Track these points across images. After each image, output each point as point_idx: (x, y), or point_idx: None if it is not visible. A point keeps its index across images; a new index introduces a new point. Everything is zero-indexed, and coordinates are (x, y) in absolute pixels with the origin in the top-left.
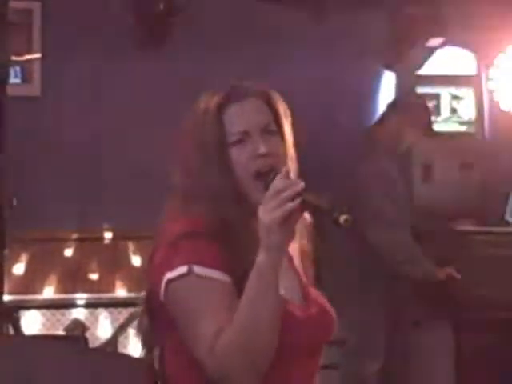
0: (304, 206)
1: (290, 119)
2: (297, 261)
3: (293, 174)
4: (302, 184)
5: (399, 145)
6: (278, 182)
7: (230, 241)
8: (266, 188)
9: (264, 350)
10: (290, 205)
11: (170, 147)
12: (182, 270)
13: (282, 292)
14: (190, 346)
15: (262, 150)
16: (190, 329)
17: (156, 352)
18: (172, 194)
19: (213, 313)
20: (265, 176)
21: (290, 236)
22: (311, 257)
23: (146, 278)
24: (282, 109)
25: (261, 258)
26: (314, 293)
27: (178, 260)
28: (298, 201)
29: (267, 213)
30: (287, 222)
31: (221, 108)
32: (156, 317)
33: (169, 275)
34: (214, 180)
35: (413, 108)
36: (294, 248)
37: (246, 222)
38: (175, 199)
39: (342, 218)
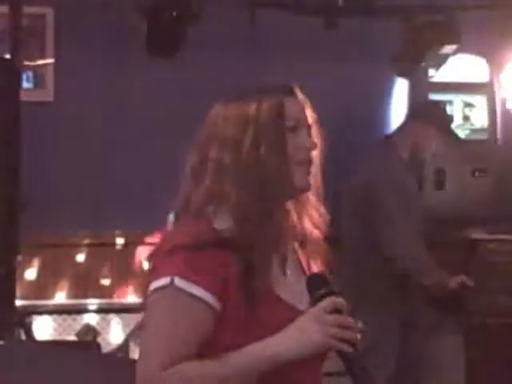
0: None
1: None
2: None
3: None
4: (357, 336)
5: (424, 151)
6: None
7: (247, 247)
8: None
9: None
10: (334, 343)
11: (182, 153)
12: (165, 281)
13: (282, 295)
14: (138, 357)
15: (307, 143)
16: (147, 341)
17: None
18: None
19: (176, 338)
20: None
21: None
22: (327, 262)
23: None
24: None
25: (274, 349)
26: None
27: (165, 270)
28: (342, 346)
29: (313, 332)
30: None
31: (281, 97)
32: None
33: (154, 285)
34: (270, 160)
35: (434, 113)
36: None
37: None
38: (197, 197)
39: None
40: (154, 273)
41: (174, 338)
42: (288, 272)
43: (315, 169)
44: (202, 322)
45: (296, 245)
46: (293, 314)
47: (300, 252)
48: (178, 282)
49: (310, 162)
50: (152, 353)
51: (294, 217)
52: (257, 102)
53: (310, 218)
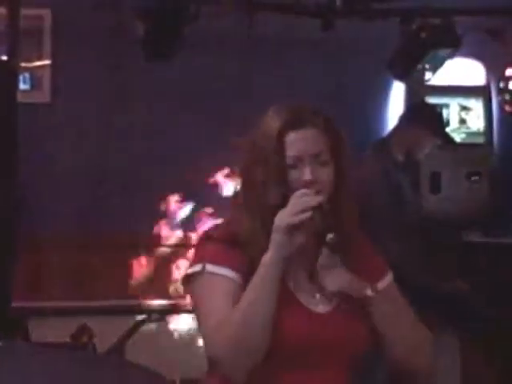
0: (312, 222)
1: (346, 147)
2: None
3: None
4: (318, 199)
5: (418, 153)
6: (299, 192)
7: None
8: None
9: (254, 339)
10: (300, 216)
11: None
12: (198, 267)
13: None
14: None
15: (307, 176)
16: (198, 318)
17: None
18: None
19: (216, 307)
20: None
21: (295, 243)
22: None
23: None
24: (339, 138)
25: (266, 257)
26: (353, 307)
27: (195, 258)
28: (307, 214)
29: (280, 215)
30: (295, 230)
31: (282, 133)
32: None
33: (188, 271)
34: (272, 192)
35: (428, 115)
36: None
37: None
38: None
39: (329, 237)
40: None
41: (217, 308)
42: (316, 277)
43: (327, 194)
44: (234, 291)
45: (326, 251)
46: (311, 317)
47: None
48: (209, 267)
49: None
50: (202, 323)
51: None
52: (261, 136)
53: (344, 223)
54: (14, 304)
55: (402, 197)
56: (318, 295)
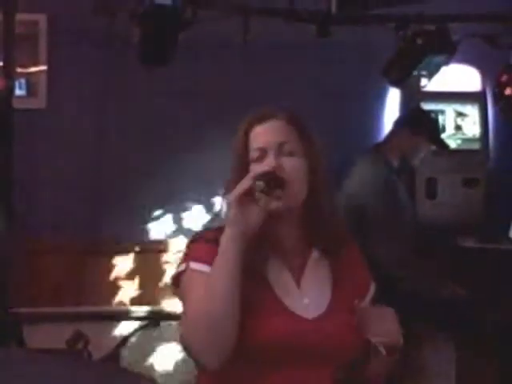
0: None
1: (315, 141)
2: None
3: (297, 188)
4: (263, 168)
5: (412, 159)
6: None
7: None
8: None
9: (216, 313)
10: (241, 185)
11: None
12: (182, 267)
13: (289, 304)
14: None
15: (272, 163)
16: (182, 314)
17: None
18: None
19: (194, 299)
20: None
21: (252, 217)
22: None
23: None
24: (305, 131)
25: (223, 235)
26: (342, 311)
27: (182, 260)
28: (248, 181)
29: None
30: (243, 201)
31: (248, 129)
32: None
33: (174, 272)
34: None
35: (423, 121)
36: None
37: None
38: None
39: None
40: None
41: (196, 299)
42: (304, 282)
43: (297, 185)
44: None
45: (316, 254)
46: (298, 322)
47: (328, 262)
48: (192, 264)
49: (282, 182)
50: (183, 323)
51: (305, 226)
52: (234, 139)
53: (327, 222)
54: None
55: (398, 201)
56: (306, 300)
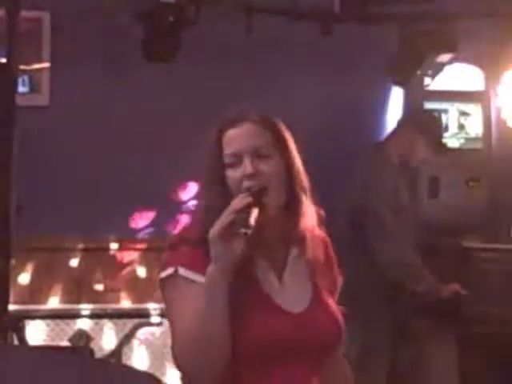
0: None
1: (290, 141)
2: (317, 268)
3: (276, 192)
4: (243, 201)
5: (412, 159)
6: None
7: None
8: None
9: (213, 352)
10: (222, 220)
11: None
12: (170, 270)
13: (278, 300)
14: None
15: (249, 170)
16: (170, 320)
17: None
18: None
19: (187, 313)
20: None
21: (236, 250)
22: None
23: None
24: (279, 132)
25: (209, 269)
26: (326, 301)
27: (169, 262)
28: (230, 217)
29: (214, 226)
30: (225, 236)
31: (220, 133)
32: None
33: (161, 275)
34: (212, 197)
35: (425, 123)
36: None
37: None
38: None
39: (243, 230)
40: (160, 265)
41: (186, 314)
42: (286, 279)
43: (277, 188)
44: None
45: (295, 251)
46: (287, 317)
47: (306, 258)
48: (182, 271)
49: (260, 188)
50: (172, 325)
51: (286, 224)
52: (207, 143)
53: (307, 218)
54: (10, 307)
55: (399, 201)
56: (290, 295)
